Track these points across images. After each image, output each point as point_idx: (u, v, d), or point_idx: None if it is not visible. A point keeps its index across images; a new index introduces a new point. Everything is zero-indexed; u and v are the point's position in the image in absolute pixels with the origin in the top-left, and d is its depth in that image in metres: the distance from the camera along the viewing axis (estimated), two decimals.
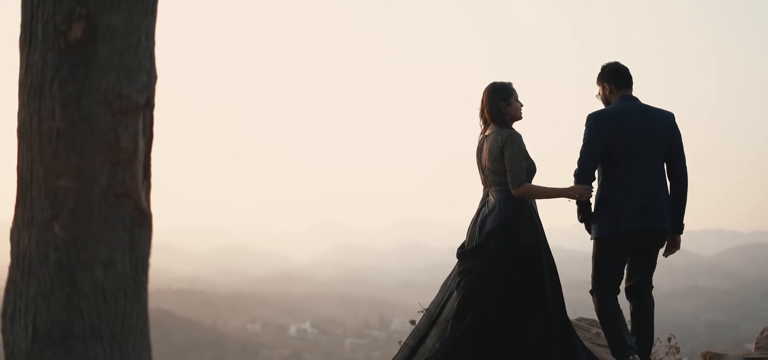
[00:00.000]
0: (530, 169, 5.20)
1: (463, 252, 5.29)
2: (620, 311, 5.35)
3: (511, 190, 5.12)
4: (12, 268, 2.64)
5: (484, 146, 5.29)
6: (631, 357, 5.12)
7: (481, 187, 5.42)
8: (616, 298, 5.40)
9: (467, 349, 5.05)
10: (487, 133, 5.31)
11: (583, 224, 5.44)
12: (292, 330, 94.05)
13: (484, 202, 5.31)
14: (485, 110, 5.31)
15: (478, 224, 5.25)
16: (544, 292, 5.11)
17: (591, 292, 5.41)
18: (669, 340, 6.93)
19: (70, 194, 2.53)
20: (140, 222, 2.63)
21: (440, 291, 5.50)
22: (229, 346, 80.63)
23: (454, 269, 5.45)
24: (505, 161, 5.11)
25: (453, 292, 5.32)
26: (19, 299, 2.59)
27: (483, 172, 5.32)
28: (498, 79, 5.40)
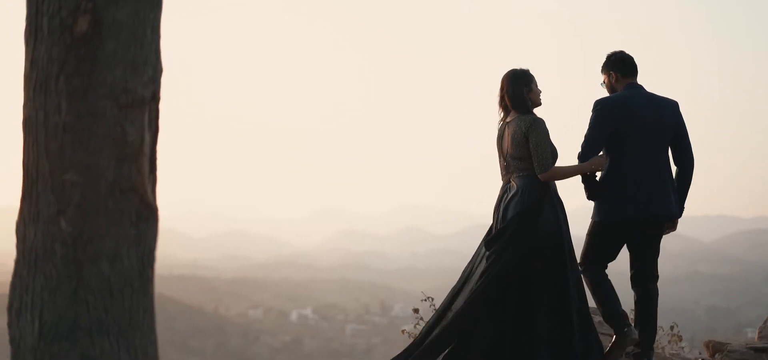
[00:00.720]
0: (553, 153, 5.20)
1: (488, 240, 5.29)
2: (611, 284, 5.47)
3: (538, 175, 5.10)
4: (18, 263, 2.63)
5: (506, 133, 5.26)
6: (626, 328, 5.26)
7: (500, 174, 5.41)
8: (606, 273, 5.50)
9: (475, 326, 5.09)
10: (508, 120, 5.29)
11: (593, 201, 5.49)
12: (294, 316, 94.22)
13: (505, 189, 5.29)
14: (506, 97, 5.28)
15: (501, 210, 5.25)
16: (563, 282, 5.08)
17: (580, 265, 5.44)
18: (672, 328, 6.95)
19: (76, 189, 2.53)
20: (146, 216, 2.62)
21: (453, 287, 5.49)
22: (230, 331, 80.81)
23: (468, 263, 5.45)
24: (530, 147, 5.10)
25: (463, 287, 5.32)
26: (26, 294, 2.59)
27: (504, 159, 5.29)
28: (517, 67, 5.35)
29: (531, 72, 5.32)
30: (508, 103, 5.28)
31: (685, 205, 5.52)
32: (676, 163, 5.47)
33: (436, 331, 5.22)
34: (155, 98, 2.64)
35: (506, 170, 5.30)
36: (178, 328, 74.24)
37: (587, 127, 5.35)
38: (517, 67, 5.35)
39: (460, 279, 5.41)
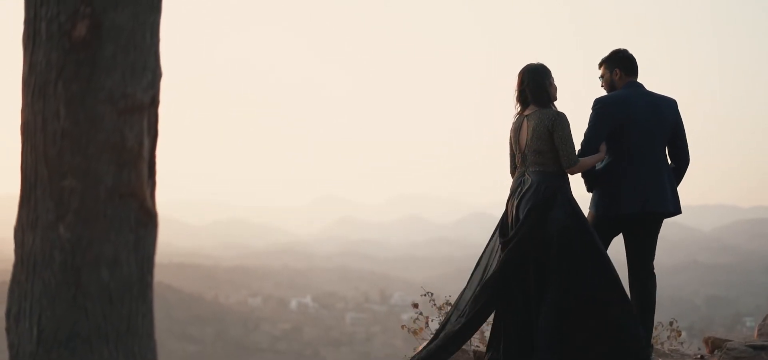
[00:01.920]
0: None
1: (504, 241, 5.27)
2: None
3: (566, 169, 5.13)
4: (16, 268, 2.61)
5: (525, 126, 5.25)
6: None
7: (510, 166, 5.42)
8: None
9: (479, 322, 5.14)
10: (527, 113, 5.27)
11: (591, 193, 5.54)
12: (293, 304, 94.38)
13: (520, 182, 5.28)
14: (527, 90, 5.25)
15: (516, 204, 5.24)
16: (576, 276, 5.04)
17: None
18: (671, 324, 6.97)
19: (75, 195, 2.50)
20: (145, 222, 2.60)
21: (469, 281, 5.50)
22: (229, 319, 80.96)
23: (483, 260, 5.44)
24: (555, 141, 5.10)
25: (474, 288, 5.32)
26: (24, 300, 2.56)
27: (521, 152, 5.27)
28: (533, 62, 5.33)
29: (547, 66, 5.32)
30: (528, 97, 5.26)
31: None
32: (671, 160, 5.53)
33: (448, 328, 5.23)
34: (154, 103, 2.60)
35: (522, 163, 5.27)
36: (177, 316, 74.38)
37: (587, 125, 5.38)
38: (534, 61, 5.33)
39: (475, 275, 5.41)
